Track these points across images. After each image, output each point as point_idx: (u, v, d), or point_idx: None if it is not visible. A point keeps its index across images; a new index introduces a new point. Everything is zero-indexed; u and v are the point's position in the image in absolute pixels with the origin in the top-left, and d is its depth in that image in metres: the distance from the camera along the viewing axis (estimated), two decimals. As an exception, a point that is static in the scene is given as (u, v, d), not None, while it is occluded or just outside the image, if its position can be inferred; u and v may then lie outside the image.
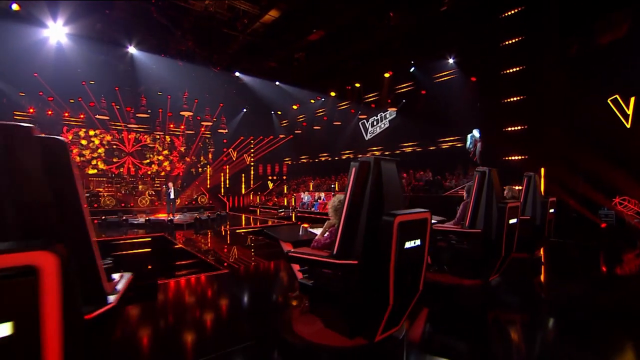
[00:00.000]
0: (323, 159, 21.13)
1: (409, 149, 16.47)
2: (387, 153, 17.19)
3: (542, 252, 6.30)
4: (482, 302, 3.98)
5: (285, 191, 16.92)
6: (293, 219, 13.71)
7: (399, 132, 16.45)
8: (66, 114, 17.16)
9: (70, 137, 17.38)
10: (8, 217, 1.36)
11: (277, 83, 17.90)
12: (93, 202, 14.71)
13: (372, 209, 2.37)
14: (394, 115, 16.80)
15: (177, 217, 12.00)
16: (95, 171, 17.95)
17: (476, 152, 9.22)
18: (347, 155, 19.37)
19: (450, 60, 13.20)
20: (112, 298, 1.76)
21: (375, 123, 17.91)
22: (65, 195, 1.62)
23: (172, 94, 17.96)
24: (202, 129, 20.23)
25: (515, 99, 10.31)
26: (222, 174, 22.01)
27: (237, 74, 16.73)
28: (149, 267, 7.27)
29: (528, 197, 5.61)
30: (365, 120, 18.29)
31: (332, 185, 14.70)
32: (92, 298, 1.67)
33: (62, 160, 1.64)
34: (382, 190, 2.41)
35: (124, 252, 8.07)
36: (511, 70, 10.41)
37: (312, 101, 19.07)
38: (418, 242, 2.42)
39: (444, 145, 14.89)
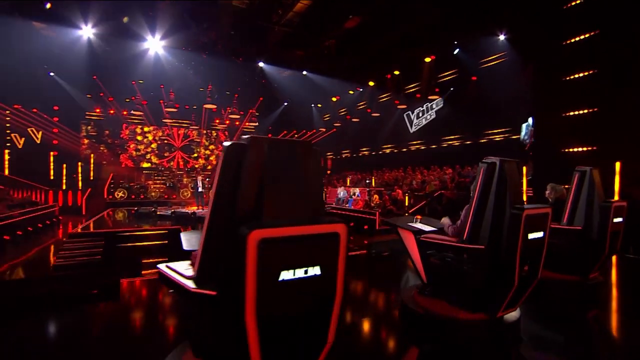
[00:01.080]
0: (362, 153, 19.99)
1: (456, 142, 14.70)
2: (433, 147, 15.57)
3: (602, 274, 4.76)
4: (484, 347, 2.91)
5: (322, 186, 16.27)
6: (324, 216, 12.99)
7: (446, 124, 14.75)
8: (124, 113, 18.35)
9: (127, 133, 18.60)
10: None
11: (314, 75, 17.10)
12: (140, 193, 15.45)
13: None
14: (442, 104, 15.11)
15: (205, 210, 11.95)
16: (149, 165, 18.99)
17: (534, 144, 7.54)
18: (389, 149, 18.04)
19: (501, 37, 11.28)
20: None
21: (420, 114, 16.35)
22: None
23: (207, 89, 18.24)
24: (237, 123, 20.29)
25: (581, 74, 8.07)
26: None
27: (271, 66, 16.21)
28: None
29: (580, 200, 4.16)
30: (410, 112, 16.81)
31: (368, 181, 13.60)
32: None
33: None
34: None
35: (140, 244, 8.02)
36: (579, 38, 8.13)
37: (351, 92, 17.96)
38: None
39: (497, 137, 12.95)
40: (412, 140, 16.74)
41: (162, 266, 1.95)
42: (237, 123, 20.38)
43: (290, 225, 1.52)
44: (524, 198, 8.15)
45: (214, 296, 1.56)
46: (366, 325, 3.52)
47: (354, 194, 14.31)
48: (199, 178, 11.93)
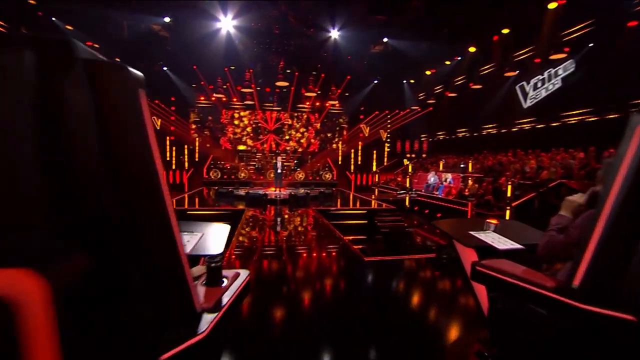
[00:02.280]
0: (460, 135, 17.10)
1: (591, 117, 11.09)
2: (554, 124, 12.15)
3: None
4: None
5: (410, 170, 14.37)
6: (407, 204, 11.34)
7: (576, 94, 11.22)
8: (224, 99, 19.54)
9: (226, 118, 19.82)
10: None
11: (402, 43, 14.83)
12: (232, 174, 16.26)
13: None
14: (572, 68, 11.52)
15: (284, 192, 11.67)
16: (244, 147, 19.97)
17: None
18: (492, 129, 14.94)
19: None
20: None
21: (539, 84, 12.90)
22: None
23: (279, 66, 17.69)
24: (328, 104, 19.38)
25: None
26: (353, 151, 21.00)
27: (352, 38, 14.51)
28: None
29: None
30: (524, 83, 13.47)
31: (463, 165, 11.34)
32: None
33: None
34: None
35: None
36: None
37: (447, 62, 15.24)
38: None
39: (656, 109, 9.14)
40: (524, 117, 13.41)
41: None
42: (318, 103, 19.67)
43: None
44: None
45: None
46: None
47: (445, 180, 12.22)
48: (279, 159, 11.65)
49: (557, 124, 11.87)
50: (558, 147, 11.21)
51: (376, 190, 14.10)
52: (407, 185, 14.37)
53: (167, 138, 18.86)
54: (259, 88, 18.87)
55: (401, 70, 17.04)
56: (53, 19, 12.16)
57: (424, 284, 4.42)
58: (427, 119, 19.59)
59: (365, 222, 8.93)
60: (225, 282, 1.37)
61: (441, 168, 14.43)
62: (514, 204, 8.32)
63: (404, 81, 18.24)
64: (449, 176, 12.09)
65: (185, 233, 1.86)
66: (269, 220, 7.94)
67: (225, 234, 1.97)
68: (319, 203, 10.51)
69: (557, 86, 11.99)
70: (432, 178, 13.28)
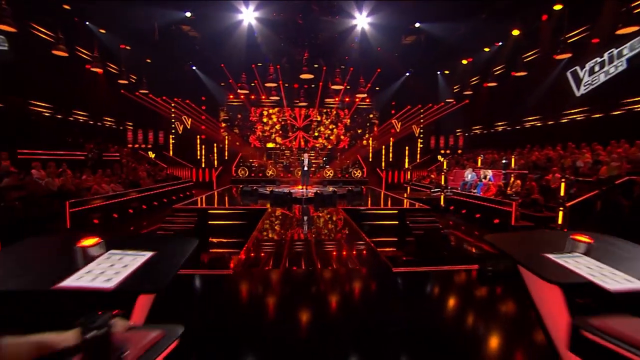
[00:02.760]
0: (498, 128, 15.64)
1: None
2: (614, 113, 10.59)
3: None
4: None
5: (446, 167, 13.28)
6: (442, 203, 10.37)
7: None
8: (253, 97, 19.36)
9: (255, 116, 19.65)
10: None
11: (436, 27, 13.53)
12: (259, 172, 15.97)
13: None
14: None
15: (311, 190, 11.12)
16: (273, 145, 19.70)
17: None
18: (536, 122, 13.45)
19: None
20: None
21: (597, 68, 11.34)
22: None
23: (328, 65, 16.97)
24: (357, 99, 18.55)
25: None
26: (384, 147, 20.05)
27: (379, 24, 13.38)
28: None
29: None
30: (577, 67, 11.94)
31: (505, 161, 10.13)
32: None
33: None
34: None
35: (222, 223, 7.67)
36: None
37: (486, 49, 13.88)
38: None
39: None
40: (576, 106, 11.87)
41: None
42: (347, 99, 18.83)
43: None
44: None
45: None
46: None
47: (485, 177, 11.07)
48: (305, 156, 11.11)
49: (618, 112, 10.32)
50: (618, 139, 9.73)
51: (408, 188, 13.17)
52: (442, 182, 13.30)
53: (198, 137, 19.03)
54: (286, 84, 18.50)
55: (435, 61, 15.84)
56: (87, 23, 12.31)
57: (465, 307, 3.61)
58: (463, 112, 18.21)
59: (397, 223, 8.15)
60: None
61: (479, 164, 13.21)
62: (568, 205, 7.17)
63: (438, 72, 16.98)
64: (489, 173, 10.93)
65: (125, 253, 1.30)
66: (291, 220, 7.41)
67: (187, 253, 1.41)
68: (347, 202, 9.85)
69: (620, 69, 10.41)
70: (469, 175, 12.14)
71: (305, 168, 10.96)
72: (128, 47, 13.74)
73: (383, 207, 8.74)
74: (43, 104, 11.77)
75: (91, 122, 15.51)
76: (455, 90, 17.70)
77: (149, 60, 14.81)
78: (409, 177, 13.71)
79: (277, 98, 14.39)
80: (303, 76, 10.29)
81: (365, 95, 12.69)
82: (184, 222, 7.50)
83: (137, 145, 18.75)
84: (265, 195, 9.88)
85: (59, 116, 12.53)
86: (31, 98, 11.29)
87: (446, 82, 17.06)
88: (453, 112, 18.58)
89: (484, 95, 15.86)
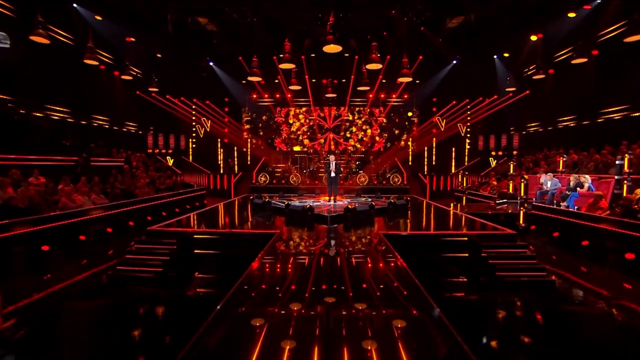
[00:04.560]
0: (563, 124, 12.05)
1: None
2: None
3: None
4: None
5: (512, 171, 10.04)
6: (521, 221, 7.21)
7: None
8: (278, 95, 17.12)
9: (280, 116, 17.35)
10: None
11: None
12: (282, 178, 13.52)
13: None
14: None
15: (340, 203, 8.43)
16: (299, 148, 17.27)
17: None
18: (619, 115, 9.86)
19: None
20: None
21: None
22: None
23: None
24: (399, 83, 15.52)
25: None
26: (426, 148, 16.91)
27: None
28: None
29: None
30: None
31: (619, 162, 6.81)
32: None
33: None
34: None
35: (209, 252, 5.22)
36: None
37: (571, 15, 10.37)
38: None
39: None
40: None
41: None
42: (383, 96, 15.85)
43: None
44: None
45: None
46: None
47: (578, 186, 7.77)
48: (332, 159, 8.44)
49: None
50: None
51: (463, 198, 10.08)
52: (510, 190, 10.04)
53: (219, 141, 17.06)
54: (313, 80, 16.02)
55: (490, 44, 12.49)
56: (75, 5, 10.37)
57: None
58: (521, 105, 14.68)
59: (467, 255, 5.26)
60: None
61: (560, 167, 9.80)
62: None
63: (495, 56, 13.54)
64: (587, 179, 7.61)
65: None
66: (306, 254, 4.75)
67: None
68: (388, 219, 7.07)
69: None
70: (548, 181, 8.85)
71: (333, 174, 8.32)
72: (133, 39, 11.84)
73: (446, 232, 5.83)
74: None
75: (107, 127, 14.00)
76: (528, 73, 13.91)
77: (159, 55, 12.93)
78: (464, 183, 10.47)
79: (299, 87, 11.72)
80: (328, 49, 7.64)
81: (410, 78, 9.73)
82: (157, 252, 5.12)
83: (157, 150, 17.19)
84: (280, 210, 7.34)
85: (56, 117, 10.94)
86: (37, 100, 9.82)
87: (507, 66, 13.53)
88: (509, 106, 15.10)
89: (562, 77, 12.24)
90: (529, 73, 12.88)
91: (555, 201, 8.52)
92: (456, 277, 5.16)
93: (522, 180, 7.05)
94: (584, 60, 9.50)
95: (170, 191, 10.65)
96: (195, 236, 5.47)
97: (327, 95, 13.97)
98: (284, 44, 8.92)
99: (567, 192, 7.97)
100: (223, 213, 7.76)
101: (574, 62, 9.61)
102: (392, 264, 4.12)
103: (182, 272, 5.14)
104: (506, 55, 12.88)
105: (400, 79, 9.69)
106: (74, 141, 10.61)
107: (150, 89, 13.60)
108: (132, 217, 7.95)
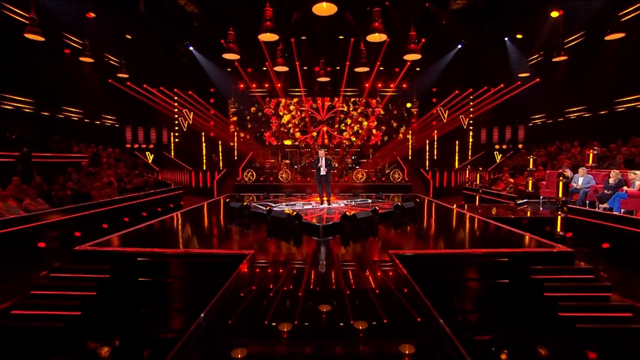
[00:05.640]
0: (572, 115, 10.66)
1: None
2: None
3: None
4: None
5: (532, 166, 8.60)
6: (558, 229, 5.74)
7: None
8: (267, 85, 15.48)
9: (270, 109, 15.71)
10: None
11: None
12: (270, 175, 11.94)
13: None
14: None
15: (335, 205, 6.90)
16: (290, 142, 15.67)
17: None
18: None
19: None
20: None
21: None
22: None
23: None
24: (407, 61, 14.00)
25: None
26: (427, 142, 15.45)
27: None
28: None
29: None
30: None
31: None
32: None
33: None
34: None
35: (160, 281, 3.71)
36: None
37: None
38: None
39: None
40: None
41: None
42: (380, 85, 14.20)
43: None
44: None
45: None
46: None
47: (621, 184, 6.36)
48: (321, 154, 6.87)
49: None
50: None
51: (477, 197, 8.61)
52: (530, 188, 8.60)
53: (203, 134, 15.37)
54: (305, 67, 14.38)
55: (504, 19, 10.85)
56: None
57: None
58: (531, 94, 13.26)
59: (507, 281, 3.79)
60: None
61: (590, 162, 8.36)
62: None
63: (506, 39, 11.97)
64: (637, 176, 6.17)
65: None
66: (287, 292, 3.21)
67: None
68: (395, 229, 5.58)
69: None
70: (579, 179, 7.43)
71: (323, 172, 6.76)
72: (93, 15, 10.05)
73: (480, 250, 4.32)
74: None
75: (77, 119, 12.27)
76: (532, 61, 12.38)
77: (129, 37, 11.16)
78: (478, 180, 8.95)
79: (286, 69, 9.95)
80: (319, 10, 6.00)
81: (419, 55, 8.11)
82: (80, 285, 3.55)
83: (136, 145, 15.46)
84: (262, 216, 5.78)
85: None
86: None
87: (520, 49, 11.97)
88: (518, 95, 13.66)
89: (583, 60, 10.75)
90: (545, 56, 11.37)
91: (587, 202, 7.12)
92: (491, 313, 3.69)
93: (562, 178, 5.60)
94: (621, 35, 8.00)
95: (140, 191, 9.02)
96: (139, 258, 3.91)
97: (320, 79, 12.25)
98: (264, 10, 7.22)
99: (605, 191, 6.55)
100: (190, 221, 6.16)
101: (608, 38, 8.06)
102: (414, 309, 2.60)
103: (113, 311, 3.58)
104: (519, 37, 11.31)
105: (408, 56, 8.07)
106: (25, 134, 8.90)
107: (119, 75, 11.82)
108: (82, 226, 6.35)
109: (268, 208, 5.60)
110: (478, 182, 8.41)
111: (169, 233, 5.42)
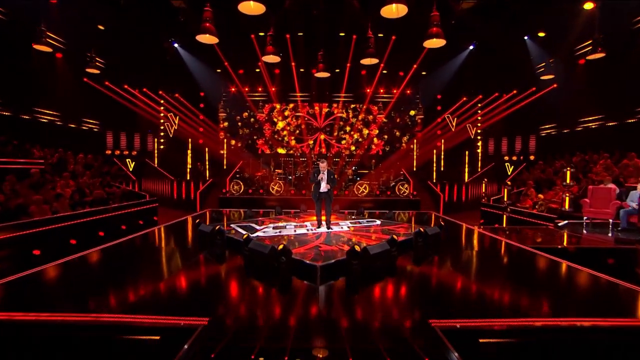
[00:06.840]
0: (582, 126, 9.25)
1: None
2: None
3: None
4: None
5: (569, 180, 7.07)
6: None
7: None
8: (260, 89, 14.02)
9: (264, 114, 14.19)
10: None
11: None
12: (260, 187, 10.31)
13: None
14: None
15: (337, 229, 5.27)
16: (284, 151, 14.10)
17: None
18: None
19: None
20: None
21: None
22: None
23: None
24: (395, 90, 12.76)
25: None
26: (435, 152, 13.96)
27: None
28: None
29: None
30: None
31: None
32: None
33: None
34: None
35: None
36: None
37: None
38: None
39: None
40: None
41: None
42: (382, 90, 12.79)
43: None
44: None
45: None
46: None
47: None
48: (322, 166, 5.25)
49: None
50: None
51: (504, 215, 7.02)
52: (566, 207, 7.04)
53: (189, 141, 13.76)
54: (302, 70, 12.93)
55: (520, 21, 9.48)
56: None
57: None
58: (546, 102, 11.89)
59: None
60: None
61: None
62: None
63: (526, 37, 10.52)
64: None
65: None
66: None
67: None
68: (421, 268, 3.98)
69: None
70: (637, 194, 5.91)
71: (324, 189, 5.18)
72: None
73: (578, 319, 2.69)
74: None
75: (47, 121, 10.66)
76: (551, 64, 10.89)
77: (101, 27, 9.62)
78: (505, 196, 7.35)
79: (277, 60, 8.37)
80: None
81: (443, 40, 6.54)
82: None
83: (117, 152, 13.80)
84: (238, 245, 4.15)
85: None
86: None
87: (543, 49, 10.50)
88: (535, 102, 12.27)
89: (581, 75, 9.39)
90: (568, 57, 9.96)
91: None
92: None
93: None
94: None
95: (101, 205, 7.36)
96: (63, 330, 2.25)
97: (318, 75, 10.71)
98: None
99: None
100: (131, 255, 4.43)
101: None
102: None
103: None
104: (541, 35, 9.91)
105: (428, 43, 6.49)
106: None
107: (88, 70, 10.24)
108: (13, 250, 4.68)
109: (245, 236, 3.95)
110: (506, 199, 6.88)
111: (90, 276, 3.70)
